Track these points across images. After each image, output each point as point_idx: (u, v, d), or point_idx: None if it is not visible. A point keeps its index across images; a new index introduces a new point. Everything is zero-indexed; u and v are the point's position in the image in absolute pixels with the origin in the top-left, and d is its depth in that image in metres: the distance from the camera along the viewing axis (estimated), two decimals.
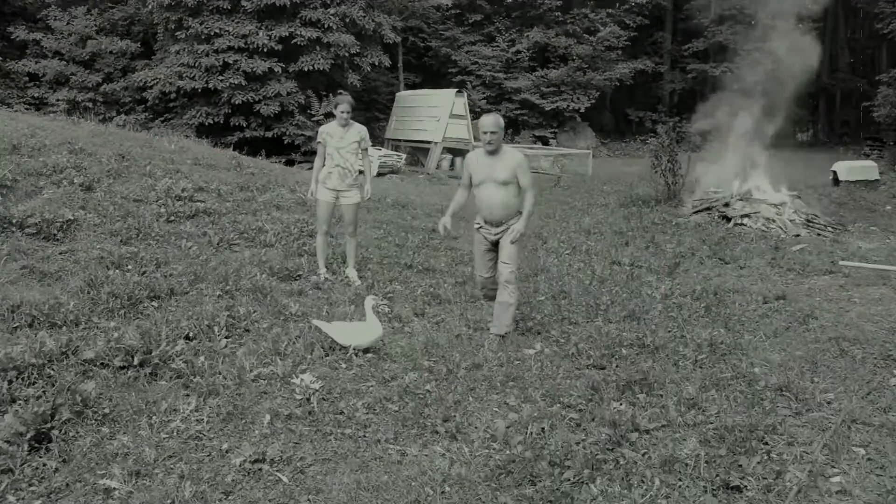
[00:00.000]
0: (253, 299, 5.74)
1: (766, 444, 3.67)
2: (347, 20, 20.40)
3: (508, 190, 5.16)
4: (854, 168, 16.44)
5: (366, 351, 4.82)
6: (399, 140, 22.61)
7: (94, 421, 3.60)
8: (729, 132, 13.85)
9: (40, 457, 3.26)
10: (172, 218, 7.60)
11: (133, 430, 3.59)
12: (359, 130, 6.64)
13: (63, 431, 3.44)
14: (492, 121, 5.12)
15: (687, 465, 3.41)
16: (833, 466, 3.49)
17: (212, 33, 19.36)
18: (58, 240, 6.26)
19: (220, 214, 8.19)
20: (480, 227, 5.44)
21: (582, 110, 30.87)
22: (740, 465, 3.41)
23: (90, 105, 21.26)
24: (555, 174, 18.70)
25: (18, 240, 6.00)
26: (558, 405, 4.11)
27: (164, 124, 20.45)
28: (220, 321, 5.02)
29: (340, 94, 6.75)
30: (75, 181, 7.72)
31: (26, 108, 19.01)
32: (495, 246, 5.39)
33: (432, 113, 21.21)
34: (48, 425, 3.41)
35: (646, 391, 4.31)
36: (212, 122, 20.21)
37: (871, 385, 4.49)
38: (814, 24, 33.39)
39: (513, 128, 30.65)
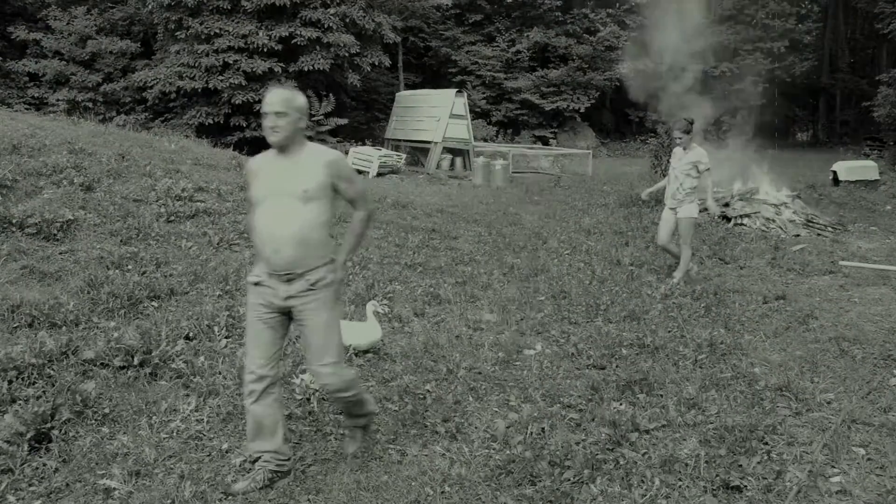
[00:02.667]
0: None
1: (766, 444, 3.67)
2: (347, 20, 20.39)
3: (310, 209, 3.13)
4: (854, 168, 16.43)
5: (365, 351, 4.82)
6: (399, 140, 22.60)
7: (94, 421, 3.61)
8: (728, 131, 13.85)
9: (40, 457, 3.27)
10: (172, 218, 7.60)
11: (133, 430, 3.59)
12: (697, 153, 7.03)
13: (63, 431, 3.45)
14: (278, 97, 3.14)
15: (687, 465, 3.41)
16: (833, 466, 3.49)
17: (212, 33, 19.35)
18: (58, 240, 6.26)
19: (220, 214, 8.19)
20: (258, 282, 3.26)
21: (582, 110, 30.87)
22: (740, 465, 3.41)
23: (90, 105, 21.26)
24: (555, 174, 18.71)
25: (18, 240, 6.00)
26: (558, 405, 4.11)
27: (164, 124, 20.44)
28: (220, 321, 5.02)
29: (678, 118, 7.34)
30: (75, 181, 7.72)
31: (26, 108, 19.01)
32: (284, 315, 3.23)
33: (432, 113, 21.20)
34: (48, 425, 3.42)
35: (646, 391, 4.32)
36: (212, 122, 20.21)
37: (870, 385, 4.49)
38: (814, 24, 33.47)
39: (513, 128, 30.65)
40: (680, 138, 7.04)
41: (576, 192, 15.38)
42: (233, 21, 19.56)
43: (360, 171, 18.05)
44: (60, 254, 6.01)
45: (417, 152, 21.55)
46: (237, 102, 19.70)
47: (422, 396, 4.19)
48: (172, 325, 4.89)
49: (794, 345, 5.30)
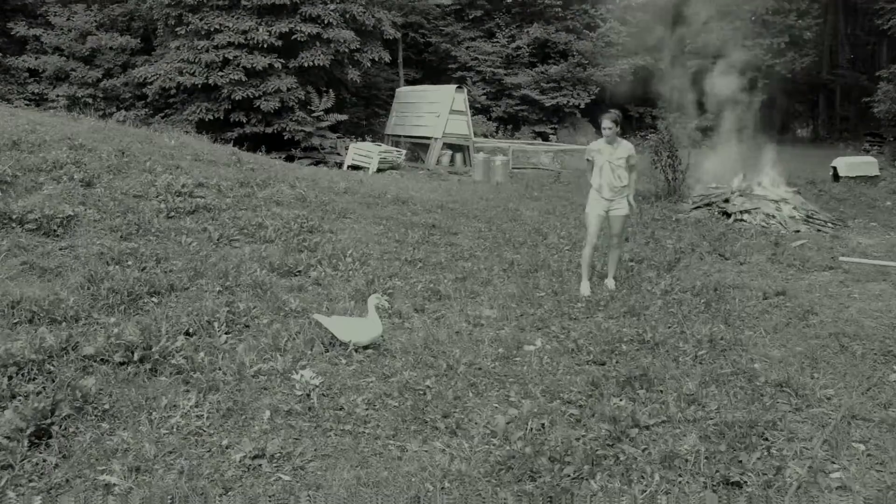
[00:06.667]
0: (253, 295, 5.74)
1: (766, 439, 3.67)
2: (347, 16, 20.38)
3: None
4: (854, 164, 16.43)
5: (365, 347, 4.82)
6: (399, 136, 22.59)
7: (94, 417, 3.61)
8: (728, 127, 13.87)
9: (40, 452, 3.27)
10: (172, 214, 7.59)
11: (133, 425, 3.59)
12: (627, 147, 6.78)
13: (63, 427, 3.44)
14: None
15: (687, 460, 3.41)
16: (833, 462, 3.49)
17: (212, 29, 19.33)
18: (58, 235, 6.25)
19: (220, 210, 8.18)
20: None
21: (582, 106, 30.87)
22: (740, 461, 3.41)
23: (90, 101, 21.25)
24: (555, 170, 18.69)
25: (18, 235, 6.00)
26: (558, 401, 4.11)
27: (164, 120, 20.44)
28: (220, 317, 5.02)
29: (609, 110, 6.92)
30: (75, 177, 7.71)
31: (26, 104, 19.00)
32: None
33: (432, 109, 21.18)
34: (48, 421, 3.41)
35: (646, 387, 4.32)
36: (212, 117, 20.20)
37: (870, 381, 4.49)
38: (814, 20, 33.42)
39: (513, 124, 30.64)
40: (609, 128, 6.70)
41: (576, 188, 15.36)
42: (233, 17, 19.55)
43: (359, 167, 18.05)
44: (60, 249, 6.01)
45: (417, 148, 21.54)
46: (237, 98, 19.70)
47: (422, 392, 4.19)
48: (172, 320, 4.89)
49: (794, 340, 5.30)
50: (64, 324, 4.64)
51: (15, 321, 4.59)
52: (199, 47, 19.36)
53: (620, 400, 4.14)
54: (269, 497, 3.10)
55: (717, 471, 3.31)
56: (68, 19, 21.82)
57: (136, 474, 3.18)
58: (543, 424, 3.80)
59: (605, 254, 7.49)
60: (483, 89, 30.34)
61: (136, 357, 4.19)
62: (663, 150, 13.44)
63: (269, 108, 19.80)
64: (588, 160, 6.99)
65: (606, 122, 6.72)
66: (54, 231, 6.27)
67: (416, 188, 13.78)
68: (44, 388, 3.75)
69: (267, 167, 11.72)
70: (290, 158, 18.82)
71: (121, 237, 6.61)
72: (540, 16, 31.79)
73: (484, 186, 15.73)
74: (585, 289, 6.64)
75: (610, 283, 6.90)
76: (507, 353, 4.89)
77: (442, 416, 3.87)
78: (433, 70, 31.62)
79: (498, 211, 11.50)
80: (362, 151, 18.59)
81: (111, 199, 7.51)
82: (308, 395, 4.01)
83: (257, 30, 19.39)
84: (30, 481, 3.09)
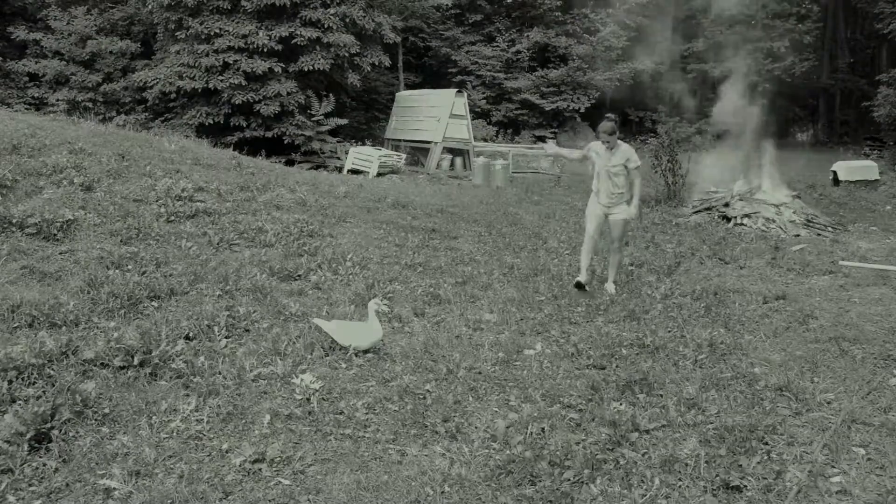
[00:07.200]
0: (253, 299, 5.75)
1: (766, 444, 3.67)
2: (347, 20, 20.40)
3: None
4: (854, 168, 16.46)
5: (365, 351, 4.82)
6: (399, 140, 22.60)
7: (94, 421, 3.61)
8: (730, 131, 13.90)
9: (40, 457, 3.27)
10: (172, 218, 7.60)
11: (133, 430, 3.59)
12: (624, 152, 6.77)
13: (63, 431, 3.44)
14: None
15: (687, 464, 3.41)
16: (833, 466, 3.49)
17: (212, 33, 19.35)
18: (58, 240, 6.26)
19: (220, 214, 8.19)
20: None
21: (582, 110, 30.88)
22: (740, 465, 3.41)
23: (90, 105, 21.25)
24: (555, 174, 18.70)
25: (18, 240, 6.01)
26: (558, 405, 4.11)
27: (164, 124, 20.44)
28: (220, 321, 5.02)
29: (607, 117, 6.85)
30: (75, 181, 7.72)
31: (26, 109, 19.00)
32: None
33: (432, 113, 21.19)
34: (48, 425, 3.41)
35: (646, 391, 4.32)
36: (212, 122, 20.20)
37: (871, 385, 4.49)
38: (814, 24, 33.47)
39: (513, 128, 30.65)
40: (607, 141, 6.71)
41: (575, 192, 15.37)
42: (233, 21, 19.57)
43: (359, 172, 18.06)
44: (60, 254, 6.01)
45: (417, 152, 21.55)
46: (237, 102, 19.71)
47: (422, 396, 4.19)
48: (172, 325, 4.89)
49: (794, 345, 5.31)
50: (64, 328, 4.64)
51: (15, 325, 4.59)
52: (199, 51, 19.37)
53: (620, 404, 4.14)
54: (269, 501, 3.10)
55: (717, 475, 3.31)
56: (68, 23, 21.83)
57: (136, 478, 3.18)
58: (543, 429, 3.80)
59: (605, 258, 7.50)
60: (483, 93, 30.35)
61: (136, 361, 4.20)
62: (663, 154, 13.47)
63: (269, 113, 19.81)
64: (585, 154, 7.04)
65: (604, 137, 6.76)
66: (54, 235, 6.28)
67: (415, 192, 13.79)
68: (44, 392, 3.75)
69: (267, 171, 11.72)
70: (290, 162, 18.81)
71: (121, 241, 6.62)
72: (540, 20, 31.82)
73: (484, 190, 15.73)
74: (583, 277, 6.73)
75: (610, 287, 6.91)
76: (507, 358, 4.89)
77: (442, 421, 3.87)
78: (433, 74, 31.64)
79: (498, 215, 11.51)
80: (362, 155, 18.59)
81: (111, 204, 7.52)
82: (308, 400, 4.01)
83: (257, 34, 19.41)
84: (30, 485, 3.10)
